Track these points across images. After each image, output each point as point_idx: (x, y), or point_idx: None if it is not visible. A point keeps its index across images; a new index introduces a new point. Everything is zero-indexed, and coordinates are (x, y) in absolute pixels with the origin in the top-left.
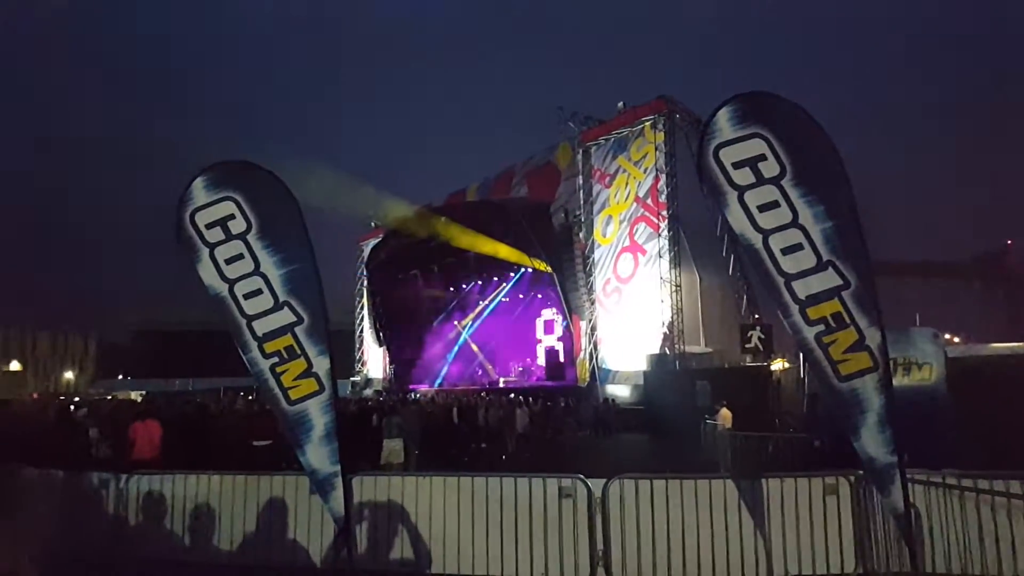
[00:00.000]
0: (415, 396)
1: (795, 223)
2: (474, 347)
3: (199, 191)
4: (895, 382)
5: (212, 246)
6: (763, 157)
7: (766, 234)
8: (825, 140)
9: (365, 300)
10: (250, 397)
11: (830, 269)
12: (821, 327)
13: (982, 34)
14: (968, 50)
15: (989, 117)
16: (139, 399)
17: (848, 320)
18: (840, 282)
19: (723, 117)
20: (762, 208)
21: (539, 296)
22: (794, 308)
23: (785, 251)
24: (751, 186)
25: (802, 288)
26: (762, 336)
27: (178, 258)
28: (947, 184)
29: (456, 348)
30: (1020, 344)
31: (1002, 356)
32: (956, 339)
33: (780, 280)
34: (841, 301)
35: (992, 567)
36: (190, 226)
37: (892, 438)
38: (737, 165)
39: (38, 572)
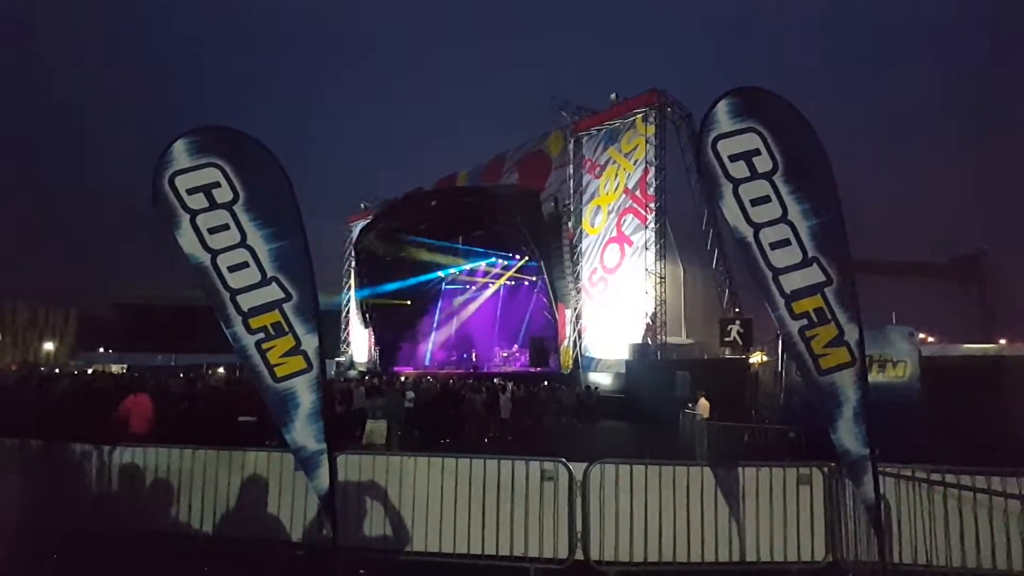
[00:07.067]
0: (403, 379)
1: (784, 219)
2: (459, 332)
3: (180, 153)
4: (870, 378)
5: (194, 213)
6: (757, 152)
7: (757, 228)
8: (814, 138)
9: (352, 281)
10: (236, 373)
11: (814, 265)
12: (804, 321)
13: (976, 32)
14: (963, 48)
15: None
16: (121, 372)
17: (829, 316)
18: (823, 278)
19: (722, 109)
20: (754, 202)
21: (525, 283)
22: (780, 302)
23: (774, 246)
24: (745, 179)
25: (787, 283)
26: (741, 330)
27: (155, 222)
28: (929, 185)
29: (441, 332)
30: (991, 346)
31: (974, 357)
32: (931, 338)
33: (768, 274)
34: (823, 297)
35: (956, 559)
36: (168, 189)
37: (866, 432)
38: (733, 158)
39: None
